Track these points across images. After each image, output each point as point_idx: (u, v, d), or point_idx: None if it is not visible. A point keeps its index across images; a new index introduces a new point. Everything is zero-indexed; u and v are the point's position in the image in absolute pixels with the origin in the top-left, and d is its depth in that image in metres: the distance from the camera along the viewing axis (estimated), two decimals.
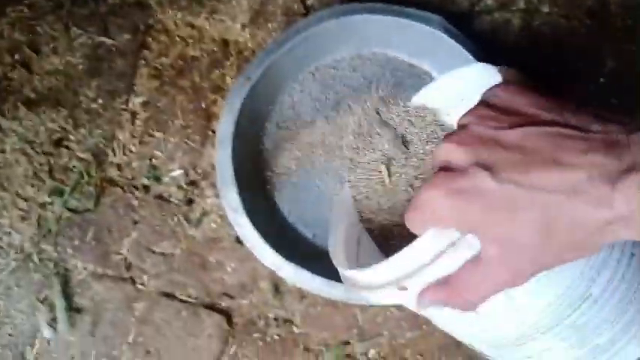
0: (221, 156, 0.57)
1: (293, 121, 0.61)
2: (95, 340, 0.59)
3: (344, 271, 0.41)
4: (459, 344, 0.57)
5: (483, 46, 0.58)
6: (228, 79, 0.64)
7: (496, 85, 0.34)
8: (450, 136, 0.32)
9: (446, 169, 0.31)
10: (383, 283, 0.35)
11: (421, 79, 0.61)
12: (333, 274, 0.54)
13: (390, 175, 0.50)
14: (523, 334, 0.36)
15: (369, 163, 0.51)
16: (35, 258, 0.60)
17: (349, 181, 0.52)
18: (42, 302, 0.59)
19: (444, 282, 0.32)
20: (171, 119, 0.63)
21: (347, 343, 0.58)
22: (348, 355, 0.58)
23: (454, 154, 0.31)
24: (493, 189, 0.28)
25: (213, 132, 0.62)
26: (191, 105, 0.64)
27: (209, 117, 0.63)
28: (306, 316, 0.59)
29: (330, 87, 0.62)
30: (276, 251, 0.54)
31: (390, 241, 0.47)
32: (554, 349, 0.36)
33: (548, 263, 0.30)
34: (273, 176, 0.60)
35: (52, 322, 0.59)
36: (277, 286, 0.59)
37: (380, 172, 0.50)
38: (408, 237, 0.35)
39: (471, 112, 0.33)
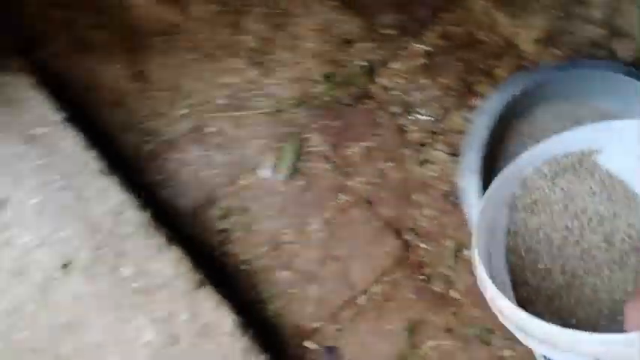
0: (479, 122, 0.65)
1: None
2: (299, 201, 0.67)
3: (526, 318, 0.40)
4: None
5: None
6: (497, 71, 0.73)
7: None
8: None
9: None
10: (571, 349, 0.37)
11: None
12: None
13: None
14: None
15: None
16: (284, 116, 0.70)
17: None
18: (274, 149, 0.69)
19: None
20: (439, 76, 0.73)
21: None
22: None
23: None
24: None
25: (468, 106, 0.71)
26: (461, 74, 0.73)
27: (470, 91, 0.72)
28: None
29: (560, 120, 0.68)
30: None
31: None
32: None
33: None
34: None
35: (272, 167, 0.68)
36: (458, 249, 0.65)
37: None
38: None
39: None
